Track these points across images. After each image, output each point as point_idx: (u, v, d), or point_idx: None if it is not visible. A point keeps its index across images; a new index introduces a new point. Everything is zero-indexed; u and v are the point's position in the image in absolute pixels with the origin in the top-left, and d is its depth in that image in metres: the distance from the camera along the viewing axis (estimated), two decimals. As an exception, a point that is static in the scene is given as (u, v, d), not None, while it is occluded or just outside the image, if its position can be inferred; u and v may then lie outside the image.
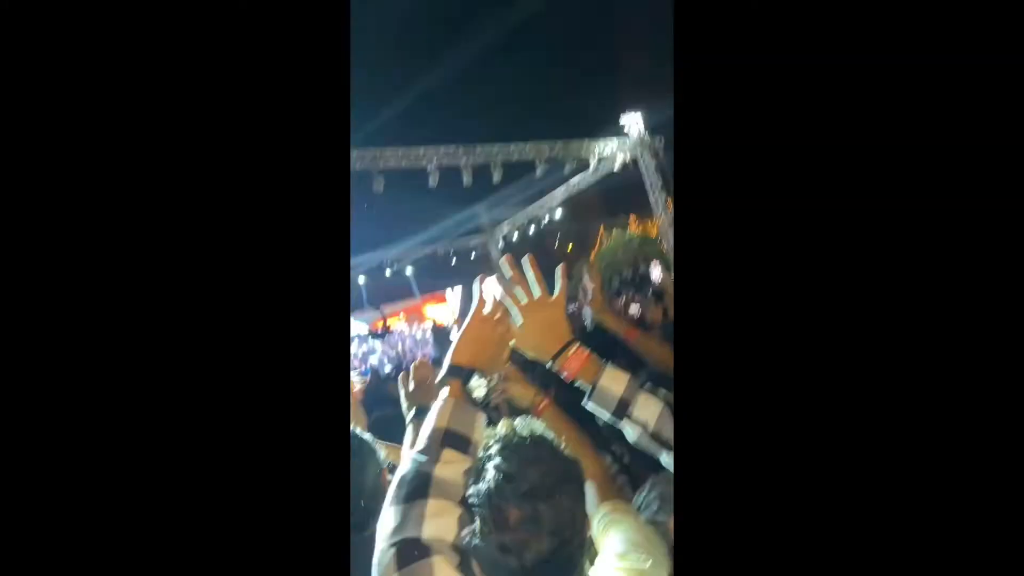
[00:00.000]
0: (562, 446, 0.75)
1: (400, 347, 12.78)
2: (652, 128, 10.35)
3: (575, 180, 11.42)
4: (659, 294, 3.93)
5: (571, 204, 12.83)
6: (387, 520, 0.61)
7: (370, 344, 12.31)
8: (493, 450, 0.70)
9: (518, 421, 0.76)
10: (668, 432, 0.74)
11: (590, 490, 0.83)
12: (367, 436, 1.43)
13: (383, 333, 10.72)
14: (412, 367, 1.16)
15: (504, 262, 0.88)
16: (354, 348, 12.44)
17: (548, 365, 0.83)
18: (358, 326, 12.91)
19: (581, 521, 0.73)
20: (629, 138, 10.51)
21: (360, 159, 7.70)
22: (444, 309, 15.03)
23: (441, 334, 12.83)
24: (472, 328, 0.82)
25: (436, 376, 1.17)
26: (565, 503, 0.71)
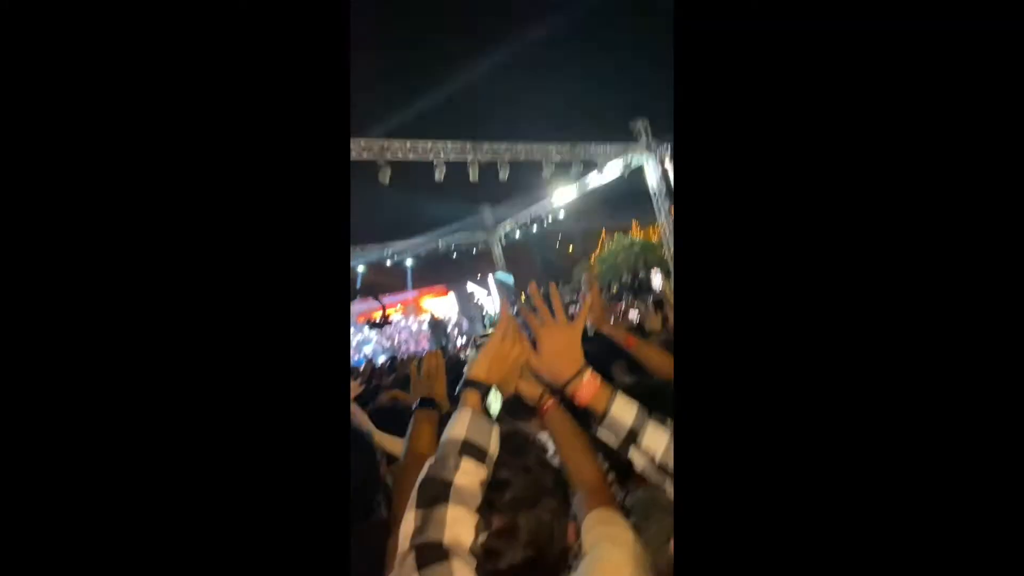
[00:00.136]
0: (551, 455, 0.78)
1: (396, 338, 12.78)
2: (659, 135, 10.37)
3: (580, 182, 11.43)
4: (659, 302, 3.94)
5: (575, 206, 12.84)
6: (409, 523, 0.64)
7: (365, 333, 12.31)
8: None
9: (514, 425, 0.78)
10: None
11: (580, 497, 0.85)
12: (364, 429, 1.45)
13: (382, 323, 10.71)
14: (425, 356, 1.18)
15: (530, 290, 0.93)
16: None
17: (559, 389, 0.86)
18: (355, 314, 12.90)
19: (561, 533, 0.75)
20: (636, 143, 10.53)
21: (367, 149, 7.70)
22: (443, 302, 15.03)
23: (439, 327, 12.84)
24: (493, 346, 0.85)
25: (443, 368, 1.19)
26: (545, 517, 0.73)
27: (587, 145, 10.20)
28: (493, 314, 11.90)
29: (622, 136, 10.56)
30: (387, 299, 11.70)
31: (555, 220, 13.32)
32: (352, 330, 12.44)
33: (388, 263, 13.23)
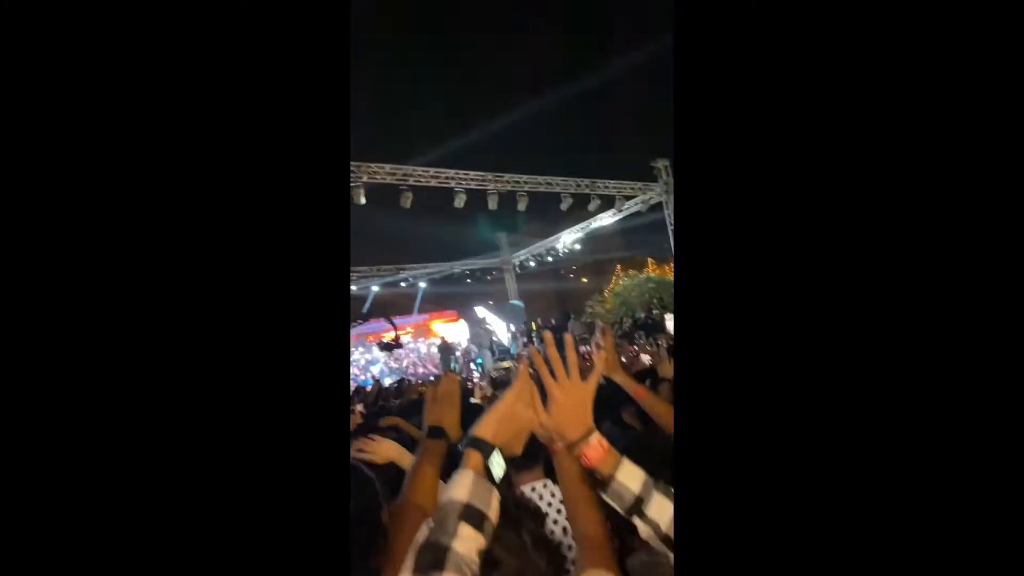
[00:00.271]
0: (554, 518, 0.77)
1: (405, 360, 12.77)
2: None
3: (597, 217, 11.51)
4: (672, 346, 3.90)
5: (591, 239, 12.90)
6: None
7: (374, 354, 12.31)
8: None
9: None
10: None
11: (580, 552, 0.84)
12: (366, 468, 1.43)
13: (394, 345, 10.70)
14: (443, 378, 1.17)
15: (545, 337, 0.93)
16: (356, 356, 12.43)
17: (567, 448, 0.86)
18: (365, 334, 12.92)
19: None
20: (657, 182, 10.62)
21: (391, 174, 7.84)
22: (454, 328, 15.03)
23: (448, 352, 12.83)
24: (504, 407, 0.85)
25: (459, 394, 1.18)
26: None
27: (606, 181, 10.32)
28: (505, 343, 11.88)
29: (642, 175, 10.68)
30: (399, 320, 11.74)
31: (570, 252, 13.38)
32: (361, 349, 12.45)
33: (403, 284, 13.33)
